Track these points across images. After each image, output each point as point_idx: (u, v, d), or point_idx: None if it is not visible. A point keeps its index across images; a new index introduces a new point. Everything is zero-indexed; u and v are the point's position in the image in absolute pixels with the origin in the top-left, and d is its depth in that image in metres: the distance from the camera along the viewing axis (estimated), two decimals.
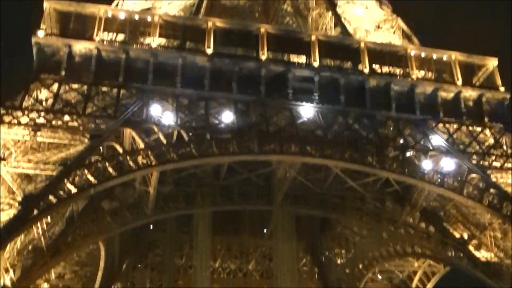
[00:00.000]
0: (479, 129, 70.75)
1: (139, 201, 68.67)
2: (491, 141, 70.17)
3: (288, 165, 70.51)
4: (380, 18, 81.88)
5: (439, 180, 64.36)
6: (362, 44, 71.56)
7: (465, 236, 73.02)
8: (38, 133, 57.95)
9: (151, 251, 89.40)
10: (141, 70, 64.21)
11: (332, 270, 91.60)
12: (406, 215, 74.76)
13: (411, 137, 68.82)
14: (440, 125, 69.41)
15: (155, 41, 65.80)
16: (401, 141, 68.12)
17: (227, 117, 63.37)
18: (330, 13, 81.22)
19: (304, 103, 66.41)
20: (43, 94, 61.32)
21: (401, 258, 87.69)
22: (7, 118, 57.28)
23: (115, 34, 66.13)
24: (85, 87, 61.81)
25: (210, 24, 67.96)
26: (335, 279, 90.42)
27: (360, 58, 70.47)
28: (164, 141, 60.04)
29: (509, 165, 67.72)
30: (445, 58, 73.36)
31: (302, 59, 70.06)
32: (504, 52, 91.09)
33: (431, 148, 66.78)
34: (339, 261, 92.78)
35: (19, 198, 53.70)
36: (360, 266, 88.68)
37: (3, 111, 57.67)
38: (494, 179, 66.18)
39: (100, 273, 78.66)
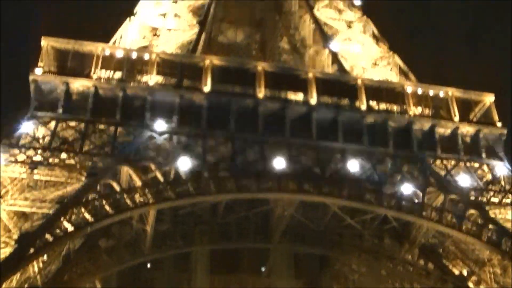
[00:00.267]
0: (477, 165, 70.63)
1: (136, 240, 68.27)
2: (489, 177, 70.00)
3: (286, 203, 70.32)
4: (377, 55, 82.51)
5: (437, 217, 64.06)
6: (359, 81, 71.85)
7: (465, 272, 72.63)
8: (35, 171, 57.76)
9: None
10: (138, 108, 64.27)
11: None
12: (404, 252, 74.63)
13: (409, 173, 68.67)
14: (438, 161, 69.38)
15: (152, 79, 65.95)
16: (399, 177, 67.91)
17: (225, 155, 63.24)
18: (327, 50, 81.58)
19: (302, 140, 66.39)
20: (40, 131, 61.03)
21: None
22: (4, 156, 57.04)
23: (112, 71, 66.09)
24: (82, 125, 61.76)
25: (207, 62, 68.29)
26: None
27: (358, 95, 70.64)
28: (162, 179, 60.01)
29: (507, 200, 67.45)
30: (441, 94, 73.58)
31: (299, 96, 69.99)
32: (501, 86, 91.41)
33: (429, 185, 66.74)
34: None
35: (15, 236, 53.16)
36: None
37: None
38: (492, 215, 65.82)
39: None
